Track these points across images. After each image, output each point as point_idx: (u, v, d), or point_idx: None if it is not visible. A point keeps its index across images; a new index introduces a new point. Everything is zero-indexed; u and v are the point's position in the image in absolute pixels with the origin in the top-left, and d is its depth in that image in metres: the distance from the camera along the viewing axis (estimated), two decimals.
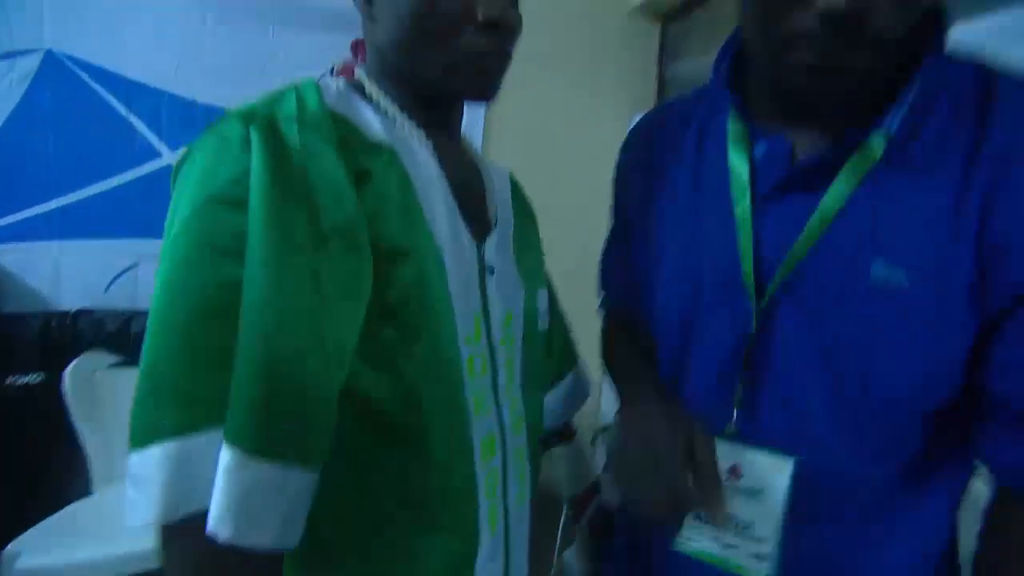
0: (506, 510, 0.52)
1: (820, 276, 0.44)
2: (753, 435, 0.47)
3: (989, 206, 0.39)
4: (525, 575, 0.58)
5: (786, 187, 0.46)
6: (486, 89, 0.50)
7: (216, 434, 0.37)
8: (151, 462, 0.36)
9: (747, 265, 0.47)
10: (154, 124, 1.57)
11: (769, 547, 0.46)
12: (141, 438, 0.37)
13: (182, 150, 0.43)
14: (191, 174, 0.40)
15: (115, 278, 1.57)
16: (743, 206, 0.47)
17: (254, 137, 0.39)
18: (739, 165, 0.48)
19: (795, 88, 0.43)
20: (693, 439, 0.45)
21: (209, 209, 0.38)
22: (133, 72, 1.53)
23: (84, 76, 1.49)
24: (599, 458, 1.69)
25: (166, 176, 1.25)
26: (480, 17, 0.45)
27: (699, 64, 2.15)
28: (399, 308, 0.44)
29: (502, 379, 0.53)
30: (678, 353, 0.53)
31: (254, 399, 0.37)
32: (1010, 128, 0.40)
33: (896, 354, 0.42)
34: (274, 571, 0.39)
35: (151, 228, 1.56)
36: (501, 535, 0.52)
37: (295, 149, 0.40)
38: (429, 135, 0.50)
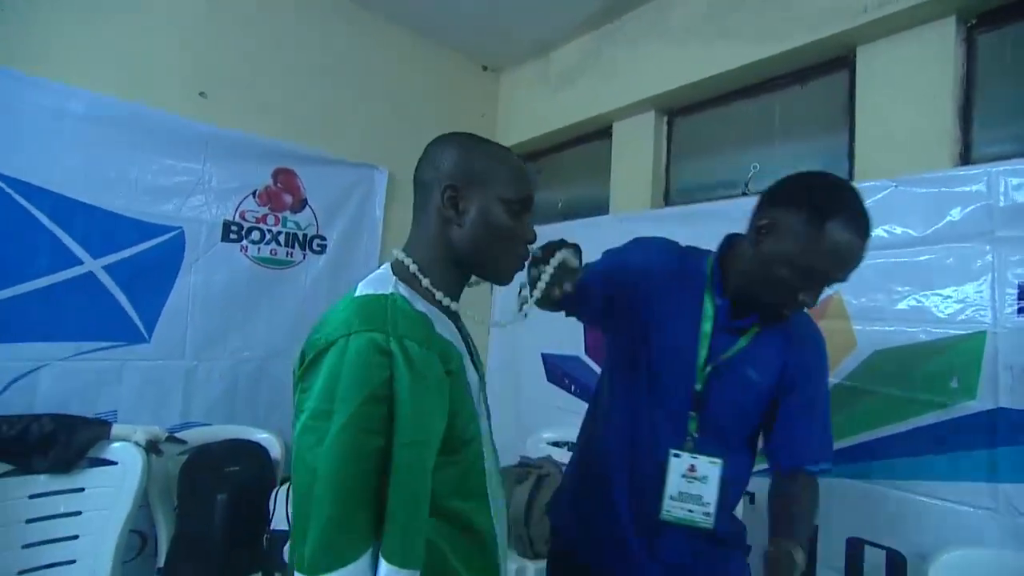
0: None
1: (729, 370, 0.92)
2: (700, 448, 0.93)
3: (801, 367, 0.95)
4: None
5: (724, 328, 0.93)
6: (512, 278, 0.79)
7: (371, 552, 0.58)
8: None
9: (702, 357, 0.93)
10: (81, 235, 1.59)
11: (712, 509, 0.91)
12: (329, 565, 0.56)
13: (322, 335, 0.62)
14: (350, 370, 0.58)
15: (11, 382, 1.55)
16: (706, 328, 0.94)
17: (396, 353, 0.60)
18: (709, 307, 0.95)
19: (751, 300, 0.91)
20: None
21: (369, 404, 0.58)
22: (64, 189, 1.60)
23: (9, 190, 1.51)
24: None
25: (86, 282, 1.62)
26: (530, 239, 0.77)
27: (547, 195, 2.70)
28: (457, 440, 0.67)
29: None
30: (647, 394, 0.96)
31: (405, 531, 0.59)
32: (799, 341, 0.96)
33: (751, 408, 0.96)
34: None
35: (55, 332, 1.58)
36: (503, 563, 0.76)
37: (418, 361, 0.61)
38: (454, 301, 0.75)
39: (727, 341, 0.93)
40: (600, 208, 2.30)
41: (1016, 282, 1.22)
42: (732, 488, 0.97)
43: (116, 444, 1.58)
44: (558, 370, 2.30)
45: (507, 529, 0.82)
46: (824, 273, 0.82)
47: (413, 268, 0.72)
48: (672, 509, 0.92)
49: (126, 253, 1.69)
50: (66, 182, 1.59)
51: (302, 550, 0.57)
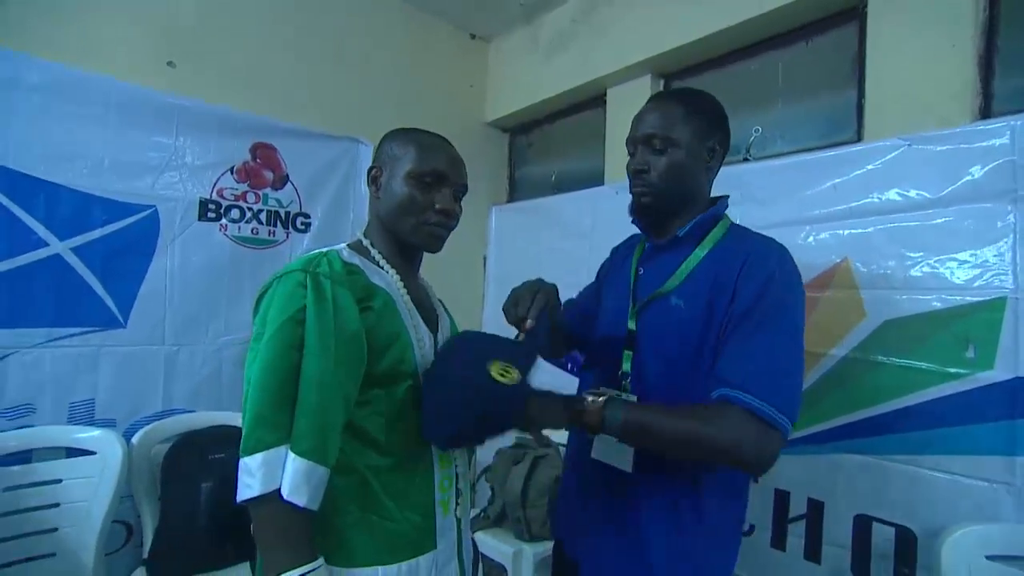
0: (457, 494, 0.87)
1: (655, 305, 0.90)
2: (633, 380, 0.89)
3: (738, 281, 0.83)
4: (470, 540, 0.93)
5: (645, 262, 0.97)
6: (435, 246, 0.88)
7: (286, 445, 0.69)
8: (257, 462, 0.68)
9: (630, 297, 0.95)
10: (44, 215, 1.49)
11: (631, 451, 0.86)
12: (252, 448, 0.68)
13: (266, 281, 0.77)
14: (277, 301, 0.73)
15: None
16: (632, 272, 0.97)
17: (309, 285, 0.74)
18: (634, 259, 1.00)
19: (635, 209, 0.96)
20: (539, 289, 0.91)
21: (288, 324, 0.72)
22: (21, 165, 1.47)
23: None
24: (485, 491, 2.35)
25: (53, 265, 1.50)
26: (437, 206, 0.84)
27: (539, 169, 2.66)
28: (385, 375, 0.78)
29: None
30: (606, 338, 0.99)
31: (306, 427, 0.70)
32: (743, 254, 0.85)
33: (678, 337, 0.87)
34: (307, 521, 0.70)
35: (21, 318, 1.50)
36: (452, 515, 0.85)
37: (328, 294, 0.74)
38: (401, 272, 0.87)
39: (659, 273, 0.93)
40: (595, 179, 2.21)
41: None
42: None
43: (95, 433, 1.53)
44: None
45: (464, 483, 0.89)
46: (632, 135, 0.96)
47: (366, 242, 0.88)
48: (597, 453, 0.91)
49: (95, 234, 1.59)
50: (22, 158, 1.48)
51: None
